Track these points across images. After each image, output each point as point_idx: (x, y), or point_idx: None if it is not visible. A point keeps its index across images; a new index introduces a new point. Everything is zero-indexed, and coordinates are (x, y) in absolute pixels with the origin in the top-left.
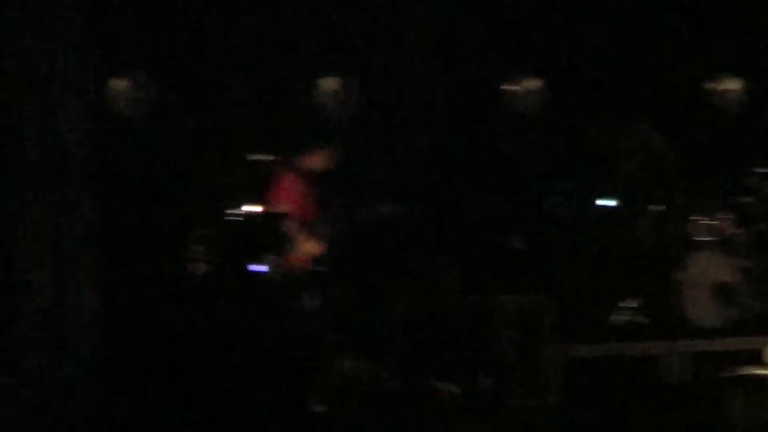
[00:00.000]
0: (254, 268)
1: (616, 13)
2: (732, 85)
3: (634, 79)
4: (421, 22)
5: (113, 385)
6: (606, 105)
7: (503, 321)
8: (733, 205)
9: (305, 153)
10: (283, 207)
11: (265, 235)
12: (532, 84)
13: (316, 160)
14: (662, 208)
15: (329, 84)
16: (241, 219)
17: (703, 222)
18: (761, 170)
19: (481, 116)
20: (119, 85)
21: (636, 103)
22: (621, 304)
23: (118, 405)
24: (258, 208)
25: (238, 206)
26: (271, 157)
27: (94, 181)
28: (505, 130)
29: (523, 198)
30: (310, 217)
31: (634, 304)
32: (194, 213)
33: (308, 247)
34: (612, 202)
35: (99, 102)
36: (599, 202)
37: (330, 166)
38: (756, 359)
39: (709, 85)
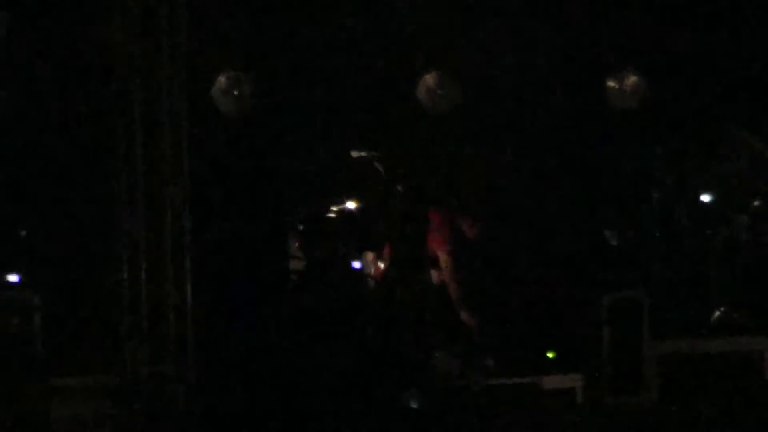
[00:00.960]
0: (355, 265)
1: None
2: None
3: (736, 79)
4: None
5: (209, 382)
6: (707, 103)
7: (601, 317)
8: None
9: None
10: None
11: (363, 232)
12: (634, 81)
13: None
14: (760, 204)
15: (430, 80)
16: (341, 215)
17: None
18: None
19: (582, 114)
20: (219, 83)
21: (736, 102)
22: (719, 300)
23: (214, 401)
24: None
25: (340, 203)
26: (373, 154)
27: (190, 180)
28: (606, 127)
29: (620, 195)
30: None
31: (734, 300)
32: (294, 209)
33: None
34: (711, 198)
35: (198, 101)
36: (699, 197)
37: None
38: None
39: None
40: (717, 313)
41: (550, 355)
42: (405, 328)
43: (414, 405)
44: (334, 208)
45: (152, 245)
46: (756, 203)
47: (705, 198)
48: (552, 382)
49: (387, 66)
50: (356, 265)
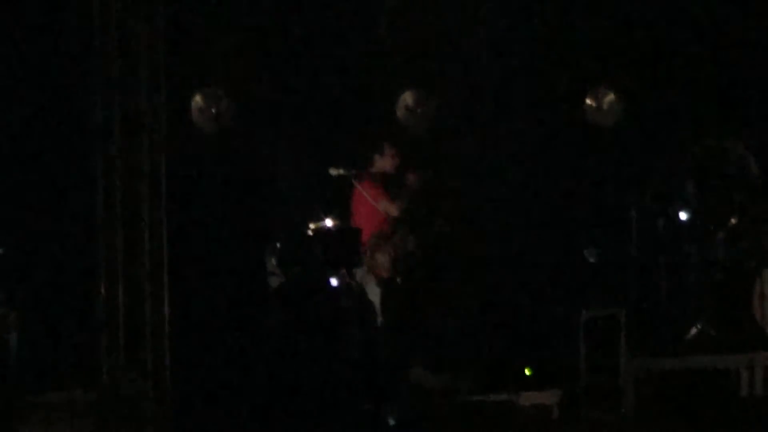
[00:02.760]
0: (332, 281)
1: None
2: None
3: (710, 91)
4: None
5: (183, 397)
6: (684, 117)
7: (578, 333)
8: None
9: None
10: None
11: (341, 249)
12: (611, 99)
13: (385, 162)
14: (737, 220)
15: (409, 98)
16: (319, 232)
17: None
18: None
19: (560, 129)
20: (197, 101)
21: (713, 116)
22: (697, 317)
23: (191, 418)
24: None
25: (317, 220)
26: (351, 171)
27: (167, 196)
28: (584, 142)
29: (598, 211)
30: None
31: (710, 317)
32: (272, 226)
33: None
34: (688, 216)
35: (175, 118)
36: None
37: (396, 166)
38: None
39: None
40: (693, 330)
41: (527, 371)
42: (383, 343)
43: (391, 421)
44: (312, 225)
45: (130, 262)
46: (733, 221)
47: (683, 216)
48: (529, 398)
49: (366, 83)
50: (333, 282)
